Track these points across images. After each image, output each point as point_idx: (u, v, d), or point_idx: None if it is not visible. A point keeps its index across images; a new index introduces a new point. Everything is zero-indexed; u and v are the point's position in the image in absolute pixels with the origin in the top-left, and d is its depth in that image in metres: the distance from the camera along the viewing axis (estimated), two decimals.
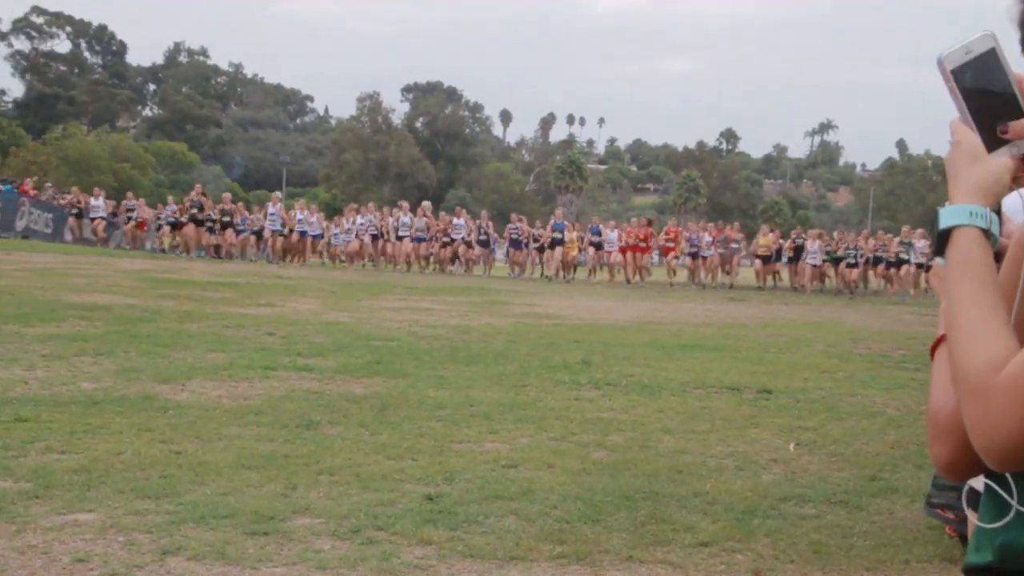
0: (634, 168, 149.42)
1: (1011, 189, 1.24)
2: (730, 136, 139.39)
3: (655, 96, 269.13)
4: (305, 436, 5.68)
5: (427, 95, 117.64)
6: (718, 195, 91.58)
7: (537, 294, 19.56)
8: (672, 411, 7.01)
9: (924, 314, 18.02)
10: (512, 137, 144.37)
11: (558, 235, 27.07)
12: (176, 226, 28.54)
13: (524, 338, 11.12)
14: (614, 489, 4.81)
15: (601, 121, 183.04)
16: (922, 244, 25.15)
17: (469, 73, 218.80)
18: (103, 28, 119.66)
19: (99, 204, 29.79)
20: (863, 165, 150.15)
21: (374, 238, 27.39)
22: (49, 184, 34.64)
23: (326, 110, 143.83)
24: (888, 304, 22.27)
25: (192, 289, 15.24)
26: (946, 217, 1.22)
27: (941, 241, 1.22)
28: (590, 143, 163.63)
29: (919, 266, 24.98)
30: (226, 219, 27.69)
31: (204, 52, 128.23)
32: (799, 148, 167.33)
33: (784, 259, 27.50)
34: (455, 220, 27.88)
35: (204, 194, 28.73)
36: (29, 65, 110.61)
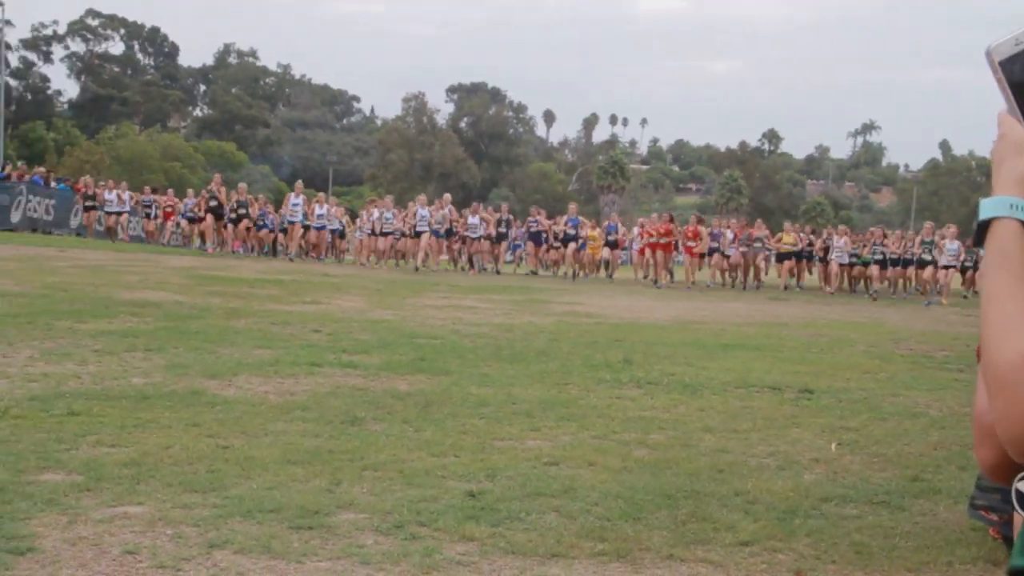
0: (676, 168, 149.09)
1: None
2: (772, 136, 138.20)
3: (697, 96, 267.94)
4: (350, 432, 5.74)
5: (471, 96, 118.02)
6: (760, 195, 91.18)
7: (578, 293, 19.56)
8: (713, 410, 7.00)
9: (967, 315, 17.81)
10: (555, 137, 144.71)
11: (571, 231, 25.44)
12: (194, 220, 27.51)
13: (566, 336, 11.14)
14: (655, 487, 4.82)
15: (644, 121, 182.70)
16: (955, 246, 23.26)
17: (513, 74, 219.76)
18: (155, 30, 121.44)
19: (112, 198, 28.42)
20: (906, 166, 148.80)
21: (383, 235, 25.77)
22: (103, 183, 35.00)
23: (372, 110, 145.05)
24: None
25: (239, 286, 15.41)
26: (986, 208, 1.21)
27: (980, 233, 1.21)
28: (632, 143, 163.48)
29: (947, 268, 23.05)
30: (241, 211, 26.00)
31: (253, 53, 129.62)
32: (842, 149, 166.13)
33: (815, 258, 26.09)
34: (470, 219, 26.28)
35: (222, 186, 27.24)
36: (84, 67, 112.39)
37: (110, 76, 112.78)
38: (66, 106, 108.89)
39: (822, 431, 6.43)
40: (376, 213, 26.40)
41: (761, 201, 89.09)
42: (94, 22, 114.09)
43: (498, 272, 26.04)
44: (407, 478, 4.80)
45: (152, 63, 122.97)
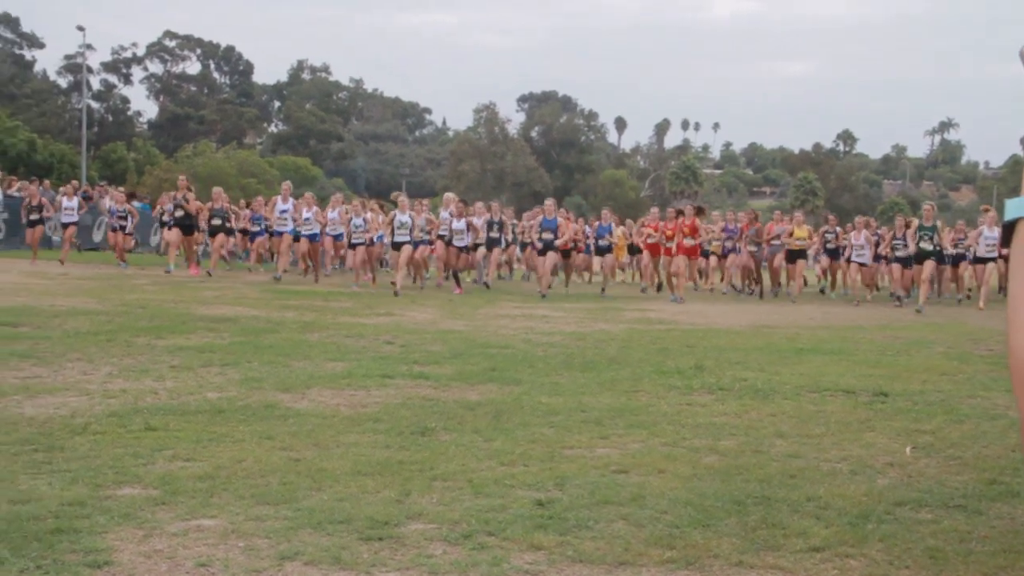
0: (750, 172, 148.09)
1: None
2: (847, 137, 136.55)
3: (770, 99, 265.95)
4: (420, 443, 5.76)
5: (542, 104, 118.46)
6: (836, 197, 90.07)
7: (650, 299, 19.45)
8: (785, 415, 6.91)
9: None
10: (627, 144, 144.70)
11: (549, 235, 20.54)
12: (164, 226, 23.77)
13: (637, 343, 11.10)
14: (725, 494, 4.77)
15: (716, 126, 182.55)
16: (993, 233, 19.94)
17: (583, 81, 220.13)
18: (231, 49, 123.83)
19: (72, 206, 23.90)
20: (986, 163, 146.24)
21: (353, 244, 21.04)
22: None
23: (444, 122, 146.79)
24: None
25: (314, 299, 15.63)
26: (1012, 208, 1.19)
27: (1007, 233, 1.19)
28: (705, 148, 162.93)
29: (986, 261, 20.18)
30: (216, 222, 21.92)
31: (326, 69, 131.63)
32: (919, 147, 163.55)
33: (839, 258, 22.10)
34: (455, 223, 21.06)
35: (190, 189, 22.03)
36: (162, 87, 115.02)
37: (187, 95, 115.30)
38: (146, 126, 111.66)
39: (897, 435, 6.32)
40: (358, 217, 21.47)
41: (837, 202, 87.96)
42: (171, 43, 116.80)
43: (487, 285, 22.03)
44: (476, 488, 4.81)
45: (228, 81, 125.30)
